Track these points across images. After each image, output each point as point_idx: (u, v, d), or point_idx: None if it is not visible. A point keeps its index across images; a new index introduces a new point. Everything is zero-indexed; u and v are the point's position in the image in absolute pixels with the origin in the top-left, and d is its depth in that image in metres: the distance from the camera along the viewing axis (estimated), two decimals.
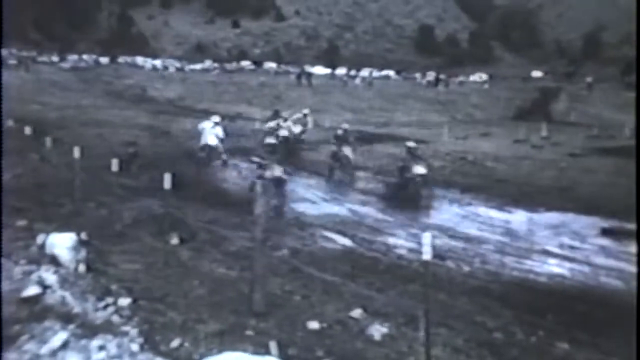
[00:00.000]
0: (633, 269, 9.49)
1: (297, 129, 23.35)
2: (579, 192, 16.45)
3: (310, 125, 24.03)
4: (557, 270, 9.61)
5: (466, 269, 9.40)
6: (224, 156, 19.45)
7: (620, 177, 15.09)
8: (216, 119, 20.08)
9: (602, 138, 29.85)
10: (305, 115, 24.81)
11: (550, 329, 6.77)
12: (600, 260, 10.26)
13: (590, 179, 18.46)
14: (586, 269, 9.72)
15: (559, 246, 10.97)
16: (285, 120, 23.06)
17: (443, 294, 7.50)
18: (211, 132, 19.26)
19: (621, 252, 10.48)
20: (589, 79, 60.82)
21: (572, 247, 10.95)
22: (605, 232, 11.99)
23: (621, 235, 11.36)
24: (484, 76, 74.73)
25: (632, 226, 10.64)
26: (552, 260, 10.07)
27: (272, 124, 22.64)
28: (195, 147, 19.65)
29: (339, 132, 19.10)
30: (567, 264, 9.90)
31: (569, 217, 13.55)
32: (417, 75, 73.94)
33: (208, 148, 19.24)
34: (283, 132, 22.05)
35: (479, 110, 48.97)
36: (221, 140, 19.51)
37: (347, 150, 18.23)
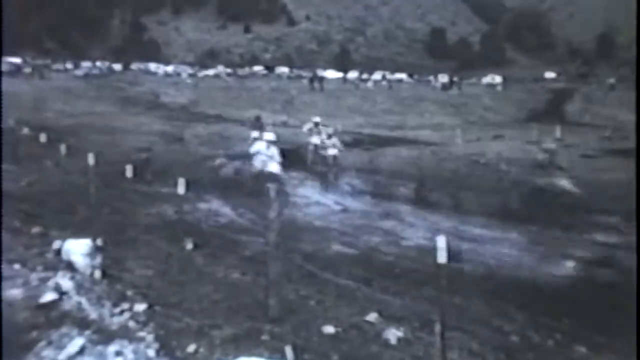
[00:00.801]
0: None
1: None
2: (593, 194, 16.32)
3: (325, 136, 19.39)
4: (573, 272, 9.53)
5: (481, 271, 9.34)
6: (287, 188, 14.57)
7: (634, 178, 14.99)
8: (270, 136, 15.80)
9: (616, 139, 29.65)
10: (317, 124, 19.84)
11: (567, 332, 6.73)
12: (618, 262, 10.17)
13: (604, 180, 18.32)
14: (603, 271, 9.64)
15: (574, 247, 10.88)
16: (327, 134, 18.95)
17: (458, 298, 7.47)
18: (268, 156, 15.14)
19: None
20: (611, 80, 60.01)
21: (588, 248, 10.84)
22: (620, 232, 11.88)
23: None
24: (498, 78, 74.36)
25: None
26: (568, 263, 9.99)
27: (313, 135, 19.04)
28: (242, 174, 15.72)
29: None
30: (584, 266, 9.82)
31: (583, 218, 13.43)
32: (431, 78, 73.74)
33: (271, 178, 13.91)
34: (332, 151, 18.28)
35: (492, 112, 48.77)
36: (281, 165, 15.39)
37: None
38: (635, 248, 6.60)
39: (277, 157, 15.47)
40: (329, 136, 18.91)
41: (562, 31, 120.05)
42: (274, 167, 15.18)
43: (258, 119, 23.04)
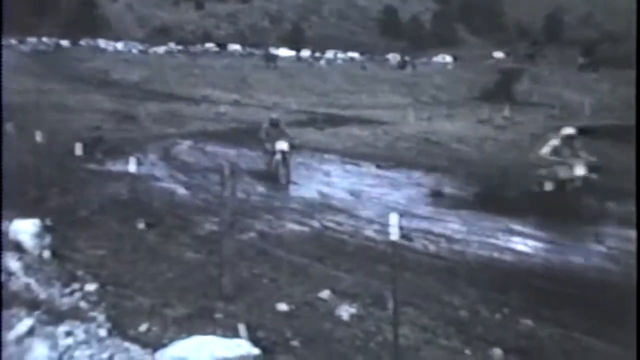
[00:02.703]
0: (593, 246, 9.74)
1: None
2: None
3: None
4: (521, 248, 9.76)
5: (432, 248, 9.50)
6: None
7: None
8: None
9: (563, 118, 30.33)
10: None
11: (514, 306, 6.91)
12: (564, 238, 10.45)
13: None
14: (549, 246, 9.90)
15: (523, 225, 11.11)
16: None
17: (410, 274, 7.58)
18: None
19: (583, 230, 10.70)
20: (581, 60, 60.15)
21: (535, 226, 11.09)
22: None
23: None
24: (448, 57, 75.13)
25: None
26: (516, 239, 10.22)
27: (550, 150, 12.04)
28: None
29: None
30: (531, 242, 10.06)
31: None
32: (389, 57, 73.96)
33: None
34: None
35: (443, 91, 49.24)
36: None
37: None
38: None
39: None
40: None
41: (511, 11, 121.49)
42: None
43: (276, 123, 15.13)
